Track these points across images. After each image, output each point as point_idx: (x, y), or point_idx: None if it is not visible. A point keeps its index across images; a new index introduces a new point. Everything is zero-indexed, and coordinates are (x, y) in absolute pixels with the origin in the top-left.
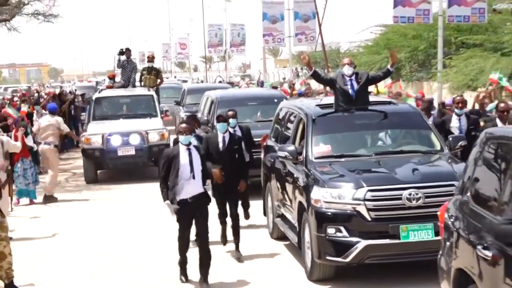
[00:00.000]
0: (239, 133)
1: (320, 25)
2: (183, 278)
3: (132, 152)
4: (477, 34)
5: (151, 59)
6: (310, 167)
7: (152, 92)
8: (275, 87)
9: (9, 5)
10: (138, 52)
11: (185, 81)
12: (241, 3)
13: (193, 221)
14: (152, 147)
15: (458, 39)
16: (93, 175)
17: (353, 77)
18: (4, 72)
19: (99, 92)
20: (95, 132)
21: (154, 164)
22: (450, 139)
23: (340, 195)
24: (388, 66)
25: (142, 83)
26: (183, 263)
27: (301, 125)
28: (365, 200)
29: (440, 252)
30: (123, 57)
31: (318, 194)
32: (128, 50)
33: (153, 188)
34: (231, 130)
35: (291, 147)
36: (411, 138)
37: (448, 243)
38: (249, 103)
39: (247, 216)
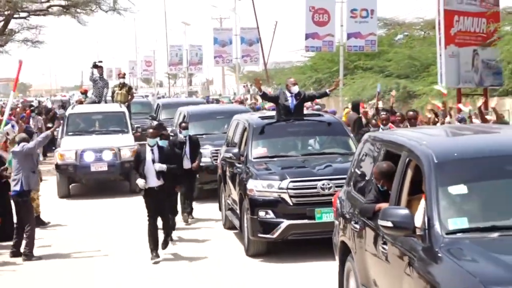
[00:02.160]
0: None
1: (262, 48)
2: (154, 254)
3: (105, 168)
4: (371, 60)
5: (122, 75)
6: (249, 165)
7: (124, 109)
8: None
9: (5, 34)
10: (106, 68)
11: (159, 97)
12: (199, 26)
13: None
14: (124, 163)
15: (354, 64)
16: (66, 190)
17: (293, 95)
18: None
19: (72, 108)
20: (69, 148)
21: (125, 179)
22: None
23: (269, 185)
24: (327, 90)
25: (114, 99)
26: (153, 240)
27: (245, 133)
28: (288, 189)
29: (334, 231)
30: (96, 72)
31: (252, 185)
32: (100, 67)
33: (125, 202)
34: (183, 139)
35: (235, 150)
36: (333, 142)
37: (336, 223)
38: (217, 117)
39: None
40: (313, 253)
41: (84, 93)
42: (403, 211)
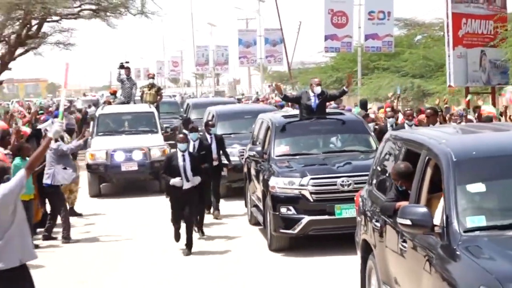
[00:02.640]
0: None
1: (285, 49)
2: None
3: (135, 167)
4: (388, 60)
5: (151, 76)
6: (271, 163)
7: (153, 109)
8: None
9: (38, 37)
10: (134, 68)
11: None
12: (225, 27)
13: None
14: (154, 162)
15: (372, 64)
16: (97, 189)
17: (316, 95)
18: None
19: (102, 109)
20: (99, 148)
21: (155, 179)
22: None
23: (290, 182)
24: (344, 88)
25: (143, 99)
26: (176, 230)
27: (269, 131)
28: (308, 185)
29: (356, 229)
30: (123, 73)
31: (273, 182)
32: (127, 67)
33: (154, 201)
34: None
35: (258, 148)
36: (354, 140)
37: (359, 221)
38: (245, 116)
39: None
40: (333, 248)
41: (113, 93)
42: (422, 209)
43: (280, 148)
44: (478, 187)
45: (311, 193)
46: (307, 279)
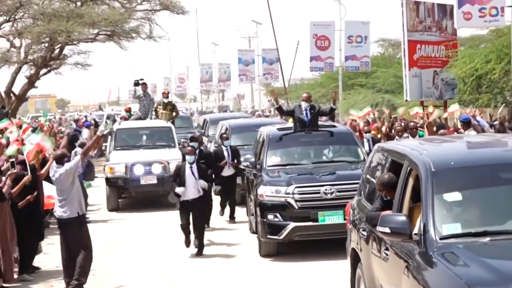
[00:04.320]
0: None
1: (281, 67)
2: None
3: (154, 181)
4: (366, 78)
5: (166, 95)
6: (263, 172)
7: (170, 124)
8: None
9: (59, 59)
10: (140, 82)
11: (196, 113)
12: (227, 46)
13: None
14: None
15: (350, 81)
16: (116, 203)
17: (308, 109)
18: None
19: (119, 124)
20: (118, 161)
21: None
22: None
23: (277, 190)
24: (332, 105)
25: (158, 117)
26: (186, 236)
27: (264, 143)
28: (293, 194)
29: (347, 239)
30: (139, 90)
31: (262, 190)
32: (144, 83)
33: (171, 215)
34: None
35: (252, 159)
36: (342, 151)
37: (349, 229)
38: (256, 129)
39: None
40: (319, 254)
41: (128, 111)
42: (400, 218)
43: (272, 158)
44: (454, 196)
45: (296, 200)
46: (293, 283)
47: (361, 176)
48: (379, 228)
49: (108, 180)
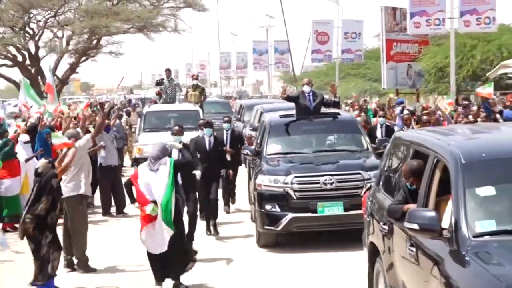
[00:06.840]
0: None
1: (291, 57)
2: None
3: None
4: (356, 69)
5: (195, 77)
6: (262, 161)
7: (197, 108)
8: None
9: (96, 48)
10: (165, 69)
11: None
12: (246, 36)
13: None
14: None
15: (346, 71)
16: None
17: (311, 94)
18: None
19: (149, 107)
20: (147, 142)
21: None
22: (377, 141)
23: (275, 180)
24: (334, 99)
25: (188, 99)
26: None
27: (265, 130)
28: (292, 184)
29: (363, 232)
30: (165, 80)
31: (260, 180)
32: (168, 69)
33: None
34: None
35: (252, 147)
36: (346, 140)
37: (366, 222)
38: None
39: (233, 201)
40: (317, 245)
41: (159, 94)
42: (430, 213)
43: (272, 146)
44: (488, 191)
45: (294, 191)
46: (290, 274)
47: (363, 165)
48: (406, 224)
49: (136, 161)
